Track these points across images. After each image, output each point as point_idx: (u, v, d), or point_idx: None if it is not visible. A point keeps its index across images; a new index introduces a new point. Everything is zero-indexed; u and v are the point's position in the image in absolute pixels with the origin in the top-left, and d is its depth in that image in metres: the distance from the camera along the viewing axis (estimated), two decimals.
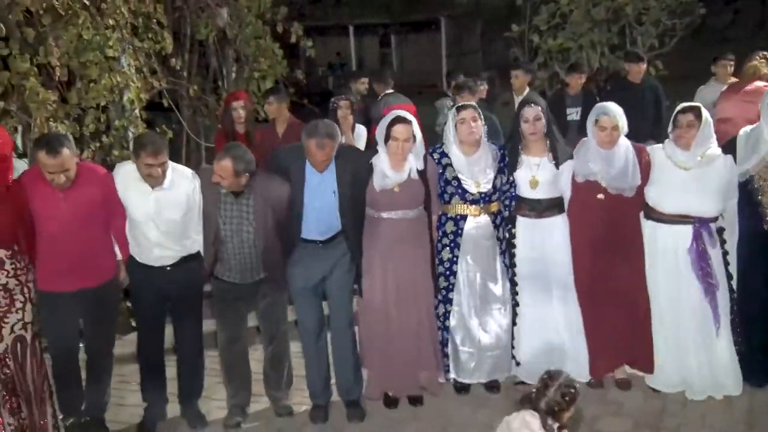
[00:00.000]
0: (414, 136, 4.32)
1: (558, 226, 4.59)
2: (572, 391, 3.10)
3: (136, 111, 5.45)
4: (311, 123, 4.24)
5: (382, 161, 4.36)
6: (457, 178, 4.52)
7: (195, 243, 4.32)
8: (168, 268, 4.25)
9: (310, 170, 4.27)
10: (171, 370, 4.51)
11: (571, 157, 4.53)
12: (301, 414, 4.57)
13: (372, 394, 4.65)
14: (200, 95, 7.01)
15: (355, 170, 4.33)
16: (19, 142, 5.26)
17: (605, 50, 8.72)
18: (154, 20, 5.55)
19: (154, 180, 4.12)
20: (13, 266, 3.93)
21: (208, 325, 4.53)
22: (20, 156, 5.04)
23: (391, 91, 7.24)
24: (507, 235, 4.66)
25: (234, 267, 4.29)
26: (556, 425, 3.09)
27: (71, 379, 4.33)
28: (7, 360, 3.97)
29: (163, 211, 4.17)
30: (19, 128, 5.08)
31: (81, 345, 4.40)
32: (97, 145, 5.20)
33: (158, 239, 4.20)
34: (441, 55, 20.91)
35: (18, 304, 3.97)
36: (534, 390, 3.14)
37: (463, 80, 7.05)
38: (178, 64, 5.94)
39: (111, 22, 5.12)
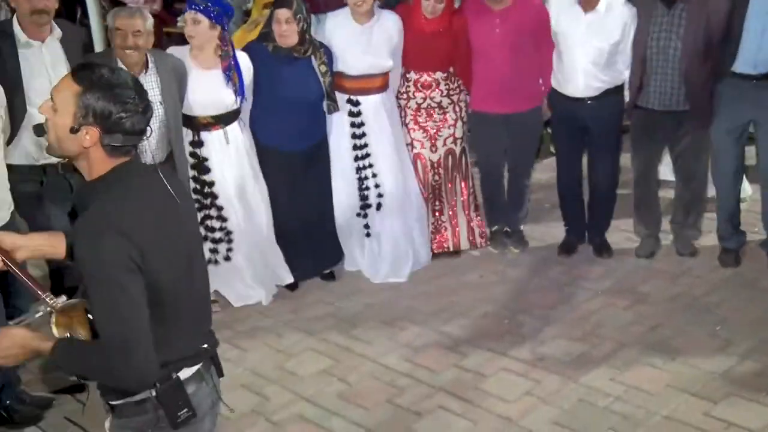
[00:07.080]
0: None
1: None
2: None
3: None
4: None
5: None
6: None
7: (621, 75, 4.30)
8: (589, 101, 4.32)
9: None
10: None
11: None
12: (707, 256, 4.49)
13: None
14: None
15: None
16: None
17: None
18: None
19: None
20: (447, 86, 4.43)
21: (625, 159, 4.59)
22: None
23: None
24: None
25: (654, 91, 4.18)
26: None
27: (496, 193, 4.77)
28: (439, 168, 4.56)
29: (593, 38, 4.19)
30: None
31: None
32: None
33: (585, 67, 4.24)
34: None
35: (450, 120, 4.50)
36: None
37: None
38: None
39: None
